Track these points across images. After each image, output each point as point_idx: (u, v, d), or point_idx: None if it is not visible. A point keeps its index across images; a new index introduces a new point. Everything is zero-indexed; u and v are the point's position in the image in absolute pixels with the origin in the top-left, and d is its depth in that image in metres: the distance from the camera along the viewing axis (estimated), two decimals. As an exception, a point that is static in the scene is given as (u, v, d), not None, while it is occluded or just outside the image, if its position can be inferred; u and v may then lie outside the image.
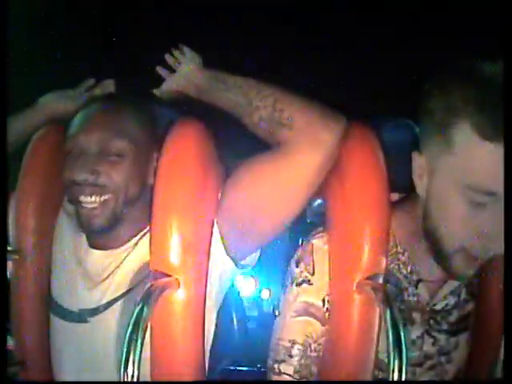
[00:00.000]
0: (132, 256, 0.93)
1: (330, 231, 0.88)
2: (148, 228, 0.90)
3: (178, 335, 0.83)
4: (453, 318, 0.89)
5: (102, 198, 0.89)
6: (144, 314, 0.72)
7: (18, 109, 1.10)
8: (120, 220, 0.91)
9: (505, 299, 0.73)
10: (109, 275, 0.93)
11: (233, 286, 0.96)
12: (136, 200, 0.92)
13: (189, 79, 1.01)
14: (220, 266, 0.89)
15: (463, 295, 0.90)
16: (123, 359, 0.69)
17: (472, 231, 0.75)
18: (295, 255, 0.90)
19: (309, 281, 0.87)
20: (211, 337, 0.93)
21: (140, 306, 0.73)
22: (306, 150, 0.80)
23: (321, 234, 0.89)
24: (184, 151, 0.85)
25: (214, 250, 0.87)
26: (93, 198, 0.88)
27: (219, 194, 0.88)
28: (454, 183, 0.75)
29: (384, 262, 0.82)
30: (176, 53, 1.06)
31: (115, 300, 0.92)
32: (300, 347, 0.86)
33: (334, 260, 0.86)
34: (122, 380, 0.69)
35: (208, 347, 0.92)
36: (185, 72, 1.02)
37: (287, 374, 0.86)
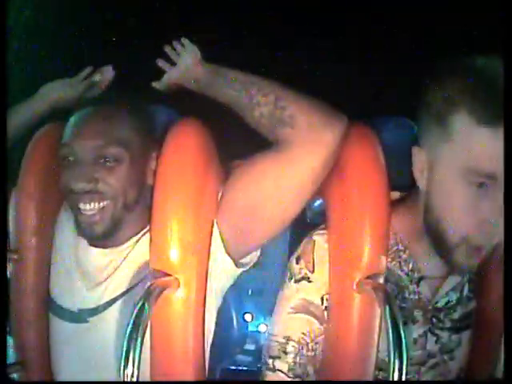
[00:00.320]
0: (132, 255, 0.93)
1: (329, 230, 0.88)
2: (148, 227, 0.90)
3: (178, 335, 0.83)
4: (456, 314, 0.89)
5: (101, 205, 0.88)
6: (144, 314, 0.72)
7: (18, 100, 1.10)
8: (119, 225, 0.91)
9: (505, 299, 0.73)
10: (108, 275, 0.93)
11: (233, 285, 0.96)
12: (135, 204, 0.92)
13: (188, 73, 1.01)
14: (220, 265, 0.88)
15: (466, 292, 0.91)
16: (123, 359, 0.69)
17: (475, 218, 0.76)
18: (296, 251, 0.90)
19: (308, 278, 0.86)
20: (211, 336, 0.93)
21: (140, 305, 0.73)
22: (307, 148, 0.80)
23: (323, 232, 0.89)
24: (184, 151, 0.85)
25: (214, 249, 0.87)
26: (92, 206, 0.88)
27: (219, 194, 0.88)
28: (454, 169, 0.76)
29: (384, 261, 0.82)
30: (176, 45, 1.05)
31: (115, 300, 0.92)
32: (295, 344, 0.85)
33: (334, 259, 0.85)
34: (121, 380, 0.69)
35: (208, 347, 0.92)
36: (185, 65, 1.02)
37: (281, 371, 0.85)
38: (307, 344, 0.85)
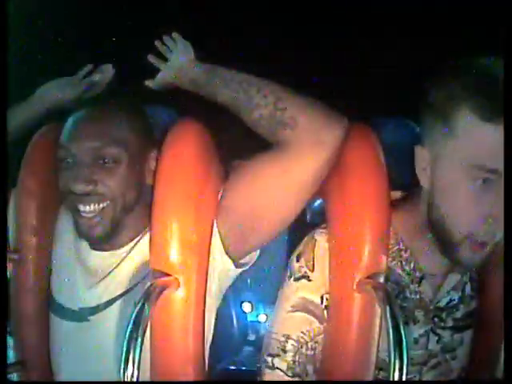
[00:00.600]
0: (132, 255, 0.93)
1: (330, 230, 0.88)
2: (148, 228, 0.90)
3: (178, 335, 0.83)
4: (459, 314, 0.89)
5: (101, 206, 0.88)
6: (144, 314, 0.72)
7: (18, 100, 1.10)
8: (119, 226, 0.91)
9: (505, 299, 0.73)
10: (109, 274, 0.93)
11: (232, 285, 0.96)
12: (134, 205, 0.92)
13: (183, 72, 0.99)
14: (220, 265, 0.88)
15: (468, 291, 0.91)
16: (123, 359, 0.69)
17: (479, 214, 0.76)
18: (297, 249, 0.90)
19: (308, 277, 0.86)
20: (211, 336, 0.92)
21: (140, 305, 0.73)
22: (307, 150, 0.80)
23: (324, 231, 0.88)
24: (184, 151, 0.85)
25: (214, 249, 0.87)
26: (91, 207, 0.88)
27: (219, 194, 0.88)
28: (458, 166, 0.76)
29: (385, 260, 0.82)
30: (167, 41, 1.04)
31: (115, 299, 0.92)
32: (294, 343, 0.85)
33: (335, 258, 0.85)
34: (121, 380, 0.69)
35: (208, 346, 0.92)
36: (178, 64, 1.01)
37: (280, 370, 0.85)
38: (306, 343, 0.85)
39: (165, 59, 1.04)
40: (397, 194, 0.91)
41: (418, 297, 0.87)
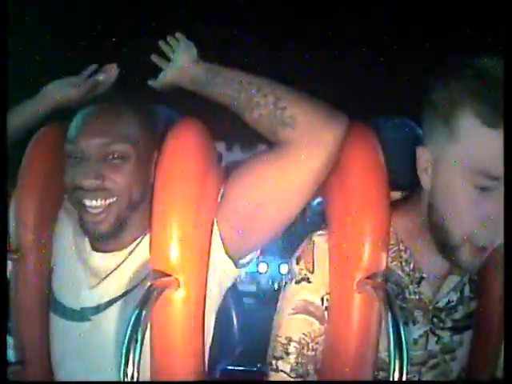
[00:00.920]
0: (134, 256, 0.93)
1: (330, 230, 0.88)
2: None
3: (178, 335, 0.83)
4: (458, 315, 0.89)
5: (107, 202, 0.88)
6: (144, 314, 0.72)
7: (21, 99, 1.10)
8: (124, 225, 0.91)
9: (505, 299, 0.73)
10: (110, 274, 0.93)
11: (233, 285, 0.96)
12: (140, 202, 0.92)
13: (184, 71, 0.99)
14: (220, 265, 0.88)
15: (467, 292, 0.91)
16: (123, 359, 0.69)
17: (479, 219, 0.76)
18: (296, 252, 0.90)
19: (308, 279, 0.86)
20: (211, 336, 0.92)
21: (140, 305, 0.73)
22: (308, 149, 0.80)
23: (323, 232, 0.89)
24: (184, 150, 0.85)
25: (214, 249, 0.87)
26: (98, 203, 0.87)
27: (219, 194, 0.88)
28: (459, 171, 0.76)
29: (384, 261, 0.82)
30: (171, 40, 1.05)
31: (115, 299, 0.92)
32: (296, 345, 0.86)
33: (335, 259, 0.86)
34: (121, 380, 0.69)
35: (208, 347, 0.92)
36: (180, 63, 1.01)
37: (284, 372, 0.86)
38: (308, 344, 0.86)
39: (168, 59, 1.04)
40: (397, 195, 0.91)
41: (417, 297, 0.87)
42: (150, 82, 1.07)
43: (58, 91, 1.10)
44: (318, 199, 1.08)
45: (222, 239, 0.87)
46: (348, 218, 0.84)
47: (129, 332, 0.70)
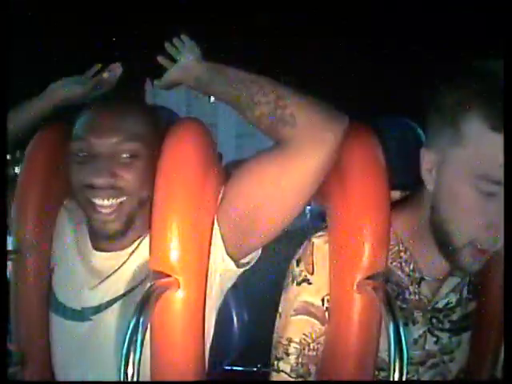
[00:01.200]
0: (134, 256, 0.93)
1: (330, 231, 0.88)
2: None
3: (178, 335, 0.83)
4: (455, 316, 0.89)
5: (119, 201, 0.88)
6: (144, 314, 0.72)
7: (25, 98, 1.09)
8: (132, 223, 0.91)
9: (505, 299, 0.73)
10: (111, 274, 0.93)
11: (233, 285, 0.96)
12: (147, 201, 0.91)
13: (188, 70, 0.99)
14: (220, 265, 0.88)
15: (466, 294, 0.91)
16: (123, 359, 0.69)
17: (481, 222, 0.76)
18: (297, 254, 0.90)
19: (308, 280, 0.87)
20: (211, 336, 0.92)
21: (140, 306, 0.73)
22: (308, 148, 0.80)
23: (322, 233, 0.89)
24: (184, 150, 0.85)
25: (214, 249, 0.87)
26: (110, 202, 0.87)
27: (220, 194, 0.88)
28: (464, 174, 0.75)
29: (384, 261, 0.82)
30: (176, 42, 1.05)
31: (116, 299, 0.92)
32: (296, 346, 0.86)
33: (335, 259, 0.86)
34: (121, 380, 0.69)
35: (208, 347, 0.92)
36: (184, 63, 1.01)
37: (284, 372, 0.87)
38: (309, 344, 0.86)
39: (173, 60, 1.05)
40: (397, 194, 0.91)
41: (417, 298, 0.87)
42: (155, 82, 1.07)
43: (64, 89, 1.10)
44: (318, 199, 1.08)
45: (222, 239, 0.87)
46: (348, 218, 0.84)
47: (129, 332, 0.70)
